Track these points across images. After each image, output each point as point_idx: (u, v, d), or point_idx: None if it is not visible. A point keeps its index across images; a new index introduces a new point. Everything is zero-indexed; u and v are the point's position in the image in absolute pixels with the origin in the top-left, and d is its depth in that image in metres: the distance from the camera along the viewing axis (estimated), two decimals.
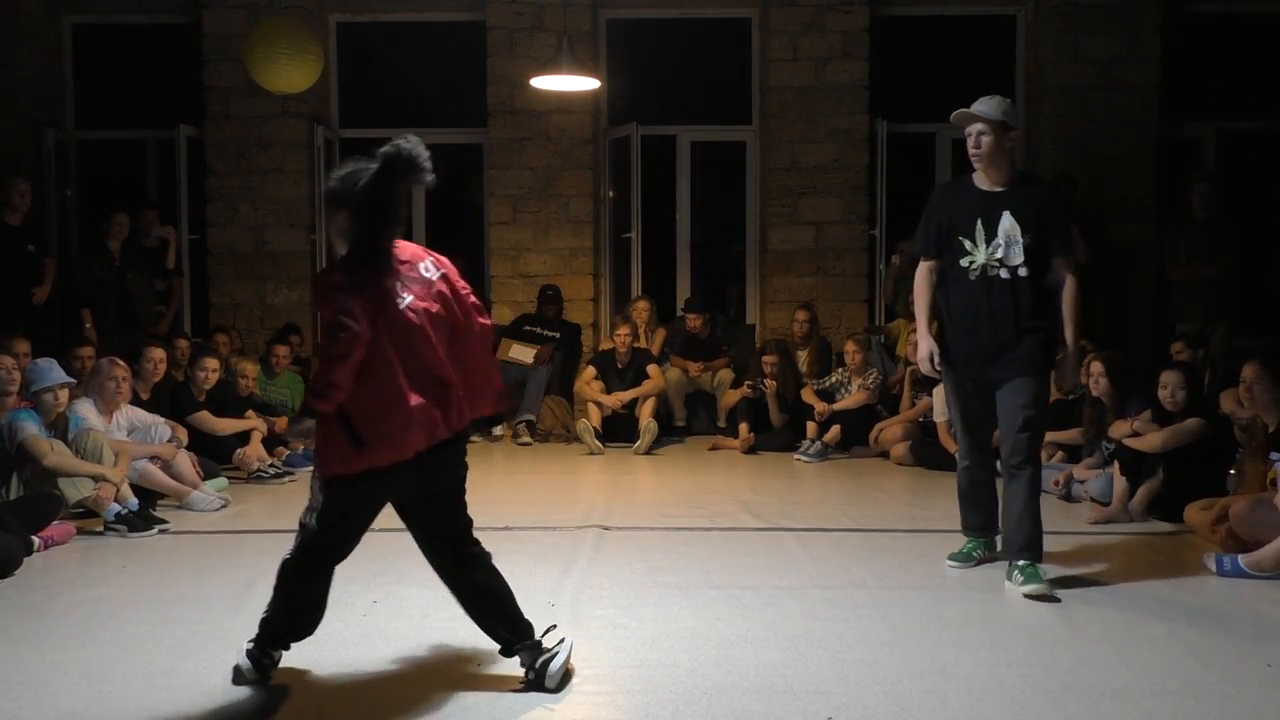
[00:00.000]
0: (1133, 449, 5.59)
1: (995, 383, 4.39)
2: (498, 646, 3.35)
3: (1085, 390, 6.32)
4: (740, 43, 9.74)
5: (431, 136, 10.56)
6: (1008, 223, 4.29)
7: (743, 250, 10.06)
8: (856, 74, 9.30)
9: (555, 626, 3.44)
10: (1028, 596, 4.16)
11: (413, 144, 3.11)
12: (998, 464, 4.59)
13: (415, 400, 3.08)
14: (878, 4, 9.39)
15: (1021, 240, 4.27)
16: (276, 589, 3.30)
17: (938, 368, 4.52)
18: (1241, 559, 4.47)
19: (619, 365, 8.51)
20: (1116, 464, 5.64)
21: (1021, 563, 4.29)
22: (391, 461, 3.08)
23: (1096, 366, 6.21)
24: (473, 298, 3.33)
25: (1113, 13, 9.04)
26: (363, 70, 9.88)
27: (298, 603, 3.31)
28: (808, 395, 8.19)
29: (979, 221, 4.32)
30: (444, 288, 3.23)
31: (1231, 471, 5.31)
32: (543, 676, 3.24)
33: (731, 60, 9.78)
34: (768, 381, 8.15)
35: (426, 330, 3.13)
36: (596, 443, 7.97)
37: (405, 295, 3.12)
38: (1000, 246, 4.29)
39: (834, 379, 8.31)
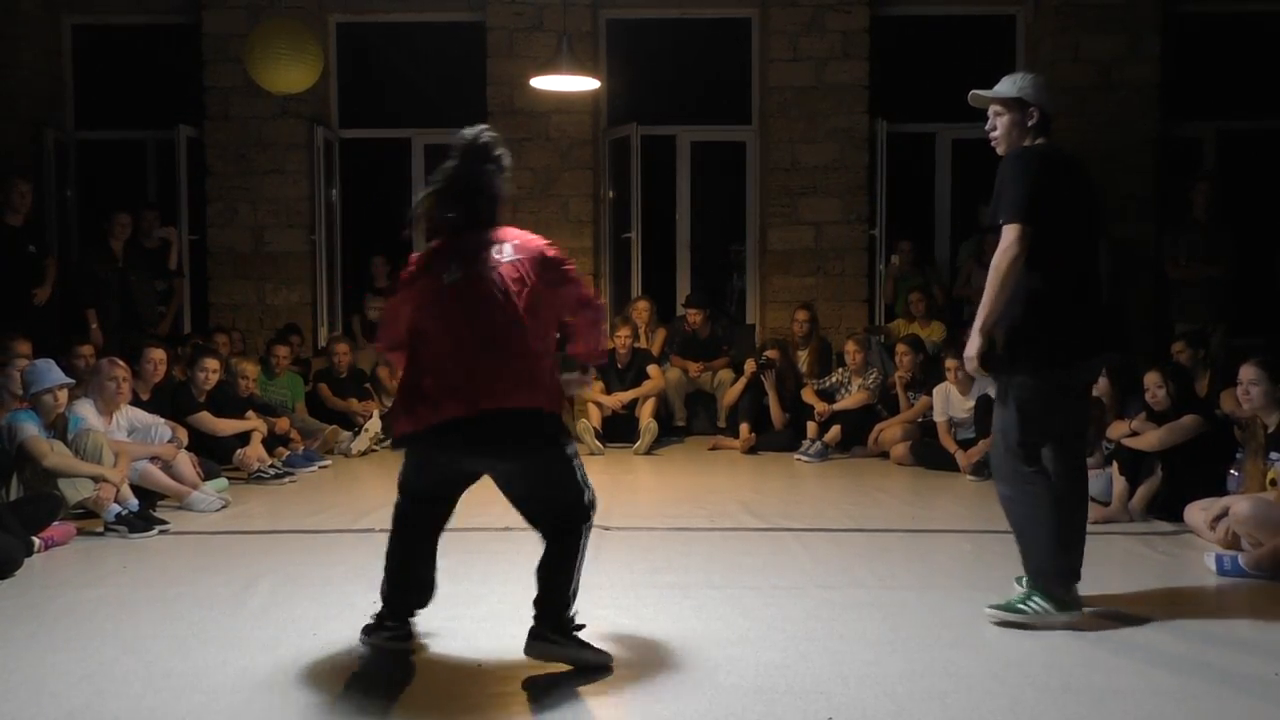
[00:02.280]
0: (1132, 449, 5.60)
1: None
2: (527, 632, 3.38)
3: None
4: (740, 43, 9.75)
5: (431, 137, 10.62)
6: None
7: (740, 250, 10.08)
8: (856, 74, 9.30)
9: (582, 625, 3.45)
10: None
11: (482, 132, 3.37)
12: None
13: (428, 379, 3.22)
14: (878, 4, 9.40)
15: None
16: (385, 559, 3.54)
17: None
18: (1241, 559, 4.47)
19: (619, 365, 8.51)
20: (1116, 464, 5.64)
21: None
22: (411, 429, 3.28)
23: None
24: (571, 288, 3.37)
25: (1113, 13, 9.05)
26: (363, 70, 9.89)
27: (402, 573, 3.52)
28: (808, 395, 8.19)
29: None
30: (512, 271, 3.27)
31: (1232, 471, 5.31)
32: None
33: (731, 60, 9.79)
34: (770, 353, 8.17)
35: (473, 307, 3.22)
36: (596, 443, 7.97)
37: (459, 272, 3.24)
38: None
39: (834, 379, 8.31)
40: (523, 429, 3.25)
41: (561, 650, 3.34)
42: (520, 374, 3.23)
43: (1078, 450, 4.04)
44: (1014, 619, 3.80)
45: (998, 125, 3.96)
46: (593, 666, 3.34)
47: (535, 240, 3.39)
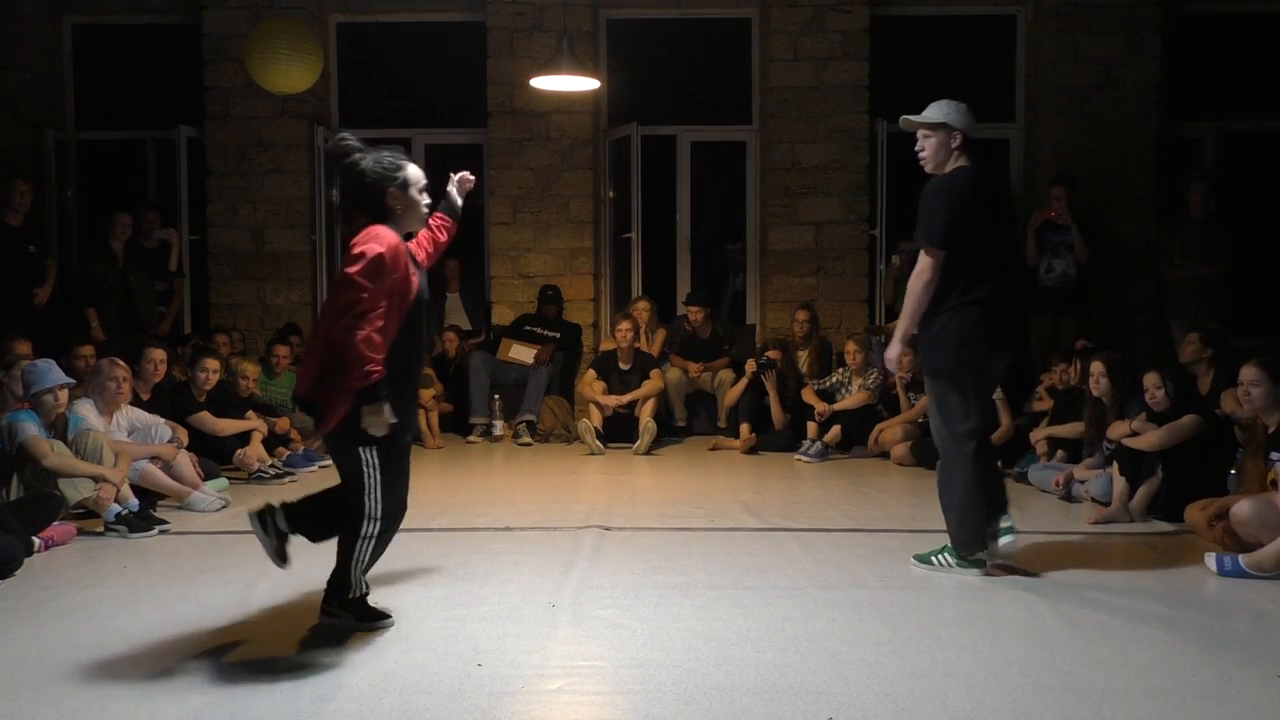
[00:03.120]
0: (1132, 449, 5.59)
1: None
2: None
3: (1086, 390, 6.33)
4: (740, 43, 9.76)
5: (432, 137, 10.63)
6: None
7: (734, 249, 10.09)
8: (857, 74, 9.30)
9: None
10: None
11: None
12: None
13: None
14: (878, 4, 9.40)
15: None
16: None
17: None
18: (1242, 559, 4.47)
19: (622, 367, 8.51)
20: (1116, 464, 5.64)
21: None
22: None
23: (1097, 366, 6.21)
24: (342, 275, 3.47)
25: (1113, 13, 9.05)
26: (363, 70, 9.89)
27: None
28: (808, 395, 8.19)
29: None
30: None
31: (1232, 471, 5.31)
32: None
33: (731, 60, 9.79)
34: (771, 353, 8.18)
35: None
36: (597, 443, 7.97)
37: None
38: None
39: (834, 379, 8.31)
40: (312, 412, 3.70)
41: (340, 622, 3.76)
42: (314, 367, 3.57)
43: (985, 439, 4.52)
44: (924, 568, 4.58)
45: (925, 147, 4.49)
46: (372, 629, 3.75)
47: (357, 242, 3.52)
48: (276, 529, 3.79)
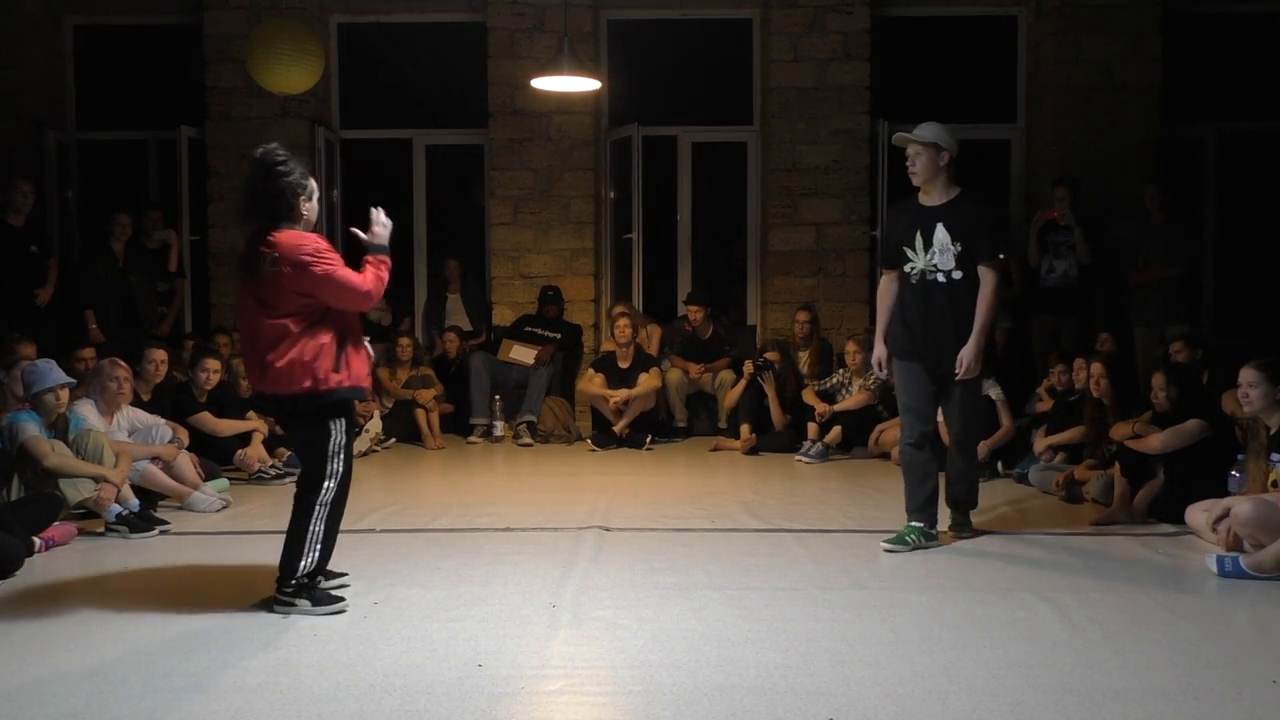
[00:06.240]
0: (1134, 450, 5.59)
1: (938, 373, 5.02)
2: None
3: (1087, 391, 6.33)
4: (741, 43, 9.75)
5: (432, 137, 10.61)
6: (941, 234, 4.92)
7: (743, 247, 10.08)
8: (857, 75, 9.30)
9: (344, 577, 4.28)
10: (957, 538, 5.16)
11: (266, 150, 4.05)
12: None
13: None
14: (879, 5, 9.39)
15: (952, 249, 4.90)
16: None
17: (882, 372, 5.34)
18: (1242, 560, 4.47)
19: (621, 366, 8.51)
20: (1117, 465, 5.64)
21: (954, 514, 5.24)
22: None
23: (1097, 367, 6.21)
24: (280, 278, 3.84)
25: (1113, 13, 9.04)
26: (364, 71, 9.89)
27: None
28: (809, 396, 8.19)
29: (917, 233, 4.98)
30: (271, 269, 3.86)
31: (1233, 473, 5.31)
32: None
33: (732, 61, 9.79)
34: (770, 355, 8.18)
35: (241, 306, 3.98)
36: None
37: (242, 271, 3.98)
38: (935, 254, 4.93)
39: (835, 380, 8.30)
40: (284, 408, 4.07)
41: (291, 609, 3.94)
42: (256, 361, 3.91)
43: None
44: (967, 534, 5.21)
45: (917, 164, 4.96)
46: (325, 613, 3.94)
47: (297, 245, 3.87)
48: (300, 594, 4.00)
